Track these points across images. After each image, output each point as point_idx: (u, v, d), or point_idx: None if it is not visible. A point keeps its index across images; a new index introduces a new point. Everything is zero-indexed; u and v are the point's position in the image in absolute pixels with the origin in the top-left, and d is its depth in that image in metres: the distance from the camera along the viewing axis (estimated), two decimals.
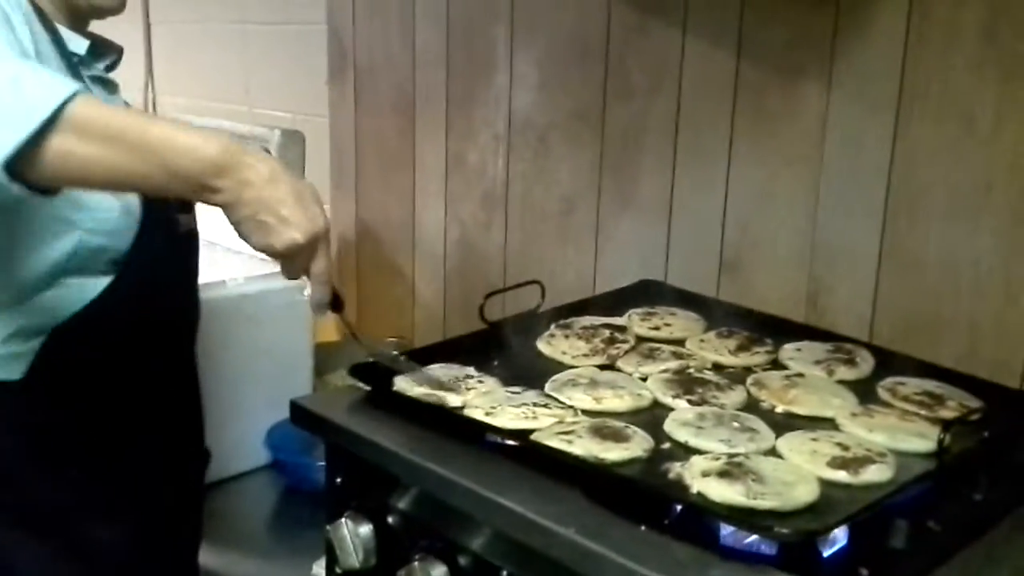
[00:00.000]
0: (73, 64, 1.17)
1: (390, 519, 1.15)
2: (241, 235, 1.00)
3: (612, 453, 1.02)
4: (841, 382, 1.27)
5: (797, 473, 0.98)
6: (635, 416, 1.15)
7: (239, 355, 1.73)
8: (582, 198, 1.85)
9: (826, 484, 0.97)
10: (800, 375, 1.27)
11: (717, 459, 0.99)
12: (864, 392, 1.24)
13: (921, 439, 1.07)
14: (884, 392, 1.24)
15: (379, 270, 2.31)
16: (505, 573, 1.01)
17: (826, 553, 0.92)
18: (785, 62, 1.53)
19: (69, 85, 0.90)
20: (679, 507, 0.92)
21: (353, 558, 1.15)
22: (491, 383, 1.22)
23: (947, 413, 1.16)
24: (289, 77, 2.47)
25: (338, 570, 1.18)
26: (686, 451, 1.05)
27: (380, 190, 2.27)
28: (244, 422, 1.74)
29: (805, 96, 1.51)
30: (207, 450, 1.41)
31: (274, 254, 1.00)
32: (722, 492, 0.93)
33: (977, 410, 1.12)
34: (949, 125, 1.37)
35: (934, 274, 1.41)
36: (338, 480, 1.21)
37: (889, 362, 1.33)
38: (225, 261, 1.89)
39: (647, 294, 1.59)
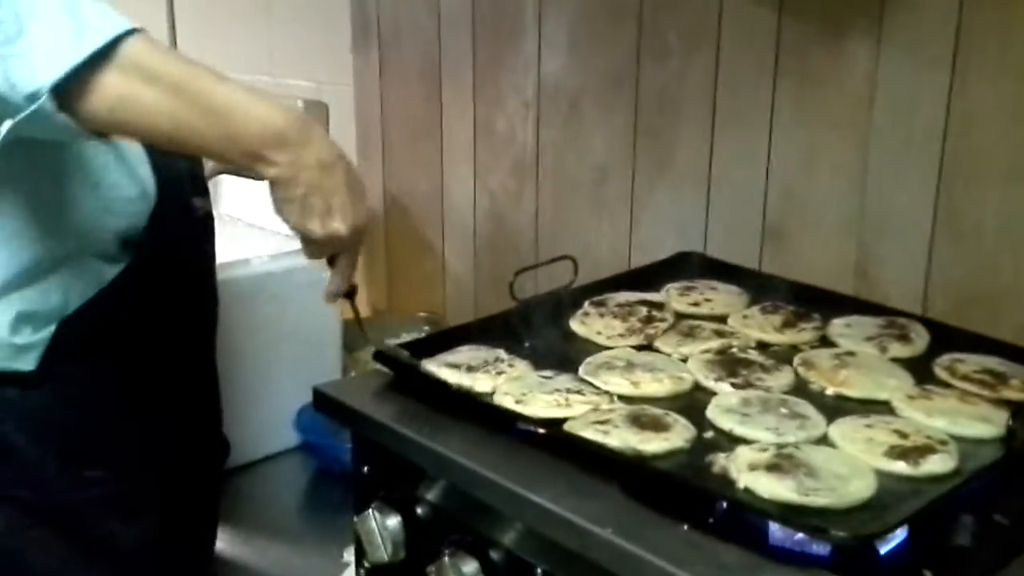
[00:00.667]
0: None
1: (419, 510, 1.10)
2: (280, 212, 0.96)
3: (651, 444, 0.95)
4: (895, 360, 1.19)
5: (852, 465, 0.91)
6: (675, 401, 1.08)
7: (265, 335, 1.69)
8: (616, 166, 1.78)
9: (883, 476, 0.90)
10: (851, 353, 1.19)
11: (765, 450, 0.92)
12: (920, 371, 1.16)
13: (985, 424, 1.00)
14: (942, 371, 1.16)
15: (408, 243, 2.25)
16: (540, 571, 0.96)
17: (884, 550, 0.85)
18: (831, 18, 1.44)
19: (127, 23, 0.84)
20: (724, 504, 0.85)
21: (382, 551, 1.10)
22: (522, 367, 1.16)
23: (1011, 393, 1.09)
24: (313, 46, 2.40)
25: (367, 564, 1.14)
26: (731, 440, 0.98)
27: (407, 160, 2.21)
28: (272, 403, 1.70)
29: (852, 55, 1.42)
30: (225, 440, 1.37)
31: (309, 238, 0.97)
32: (771, 488, 0.86)
33: None
34: (1009, 83, 1.28)
35: (992, 242, 1.33)
36: (365, 469, 1.16)
37: (945, 337, 1.25)
38: (248, 238, 1.85)
39: (685, 267, 1.52)
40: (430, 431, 1.04)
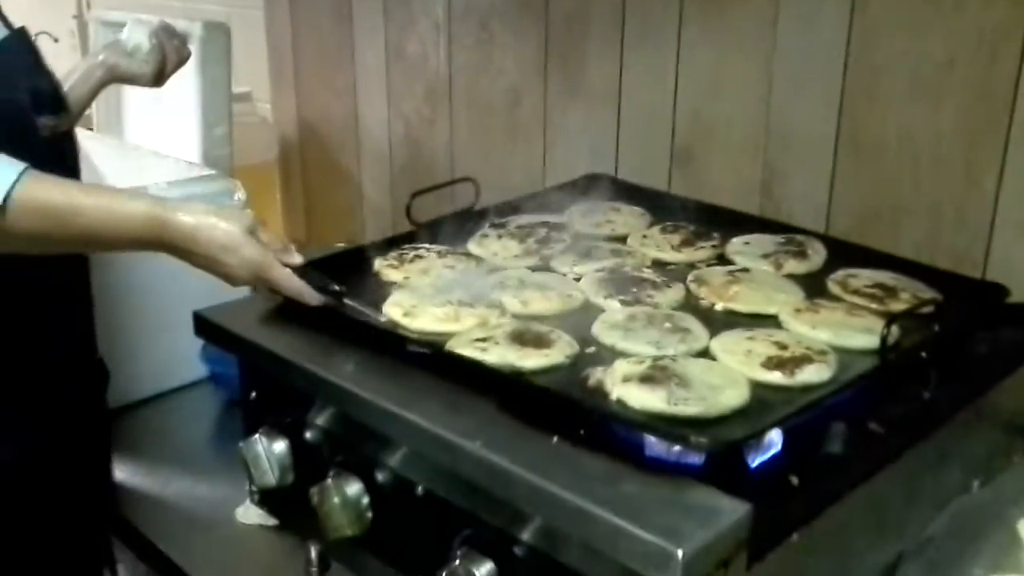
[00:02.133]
0: None
1: (308, 435, 1.08)
2: None
3: (530, 360, 0.94)
4: (789, 276, 1.19)
5: (727, 376, 0.90)
6: (564, 319, 1.07)
7: (167, 264, 1.63)
8: (528, 89, 1.74)
9: (759, 386, 0.90)
10: (745, 270, 1.19)
11: (641, 363, 0.91)
12: (813, 286, 1.16)
13: (867, 335, 0.99)
14: (834, 285, 1.16)
15: (325, 172, 2.20)
16: (420, 488, 0.95)
17: (757, 462, 0.85)
18: None
19: (16, 166, 0.96)
20: (592, 415, 0.85)
21: (269, 476, 1.08)
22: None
23: (899, 306, 1.09)
24: None
25: (254, 488, 1.12)
26: (613, 355, 0.97)
27: (320, 86, 2.15)
28: (177, 335, 1.63)
29: None
30: (104, 366, 1.33)
31: None
32: (642, 398, 0.85)
33: (928, 302, 1.04)
34: None
35: (893, 158, 1.33)
36: (253, 395, 1.14)
37: (843, 253, 1.25)
38: (151, 165, 1.78)
39: (593, 189, 1.50)
40: (312, 355, 1.02)
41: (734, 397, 0.86)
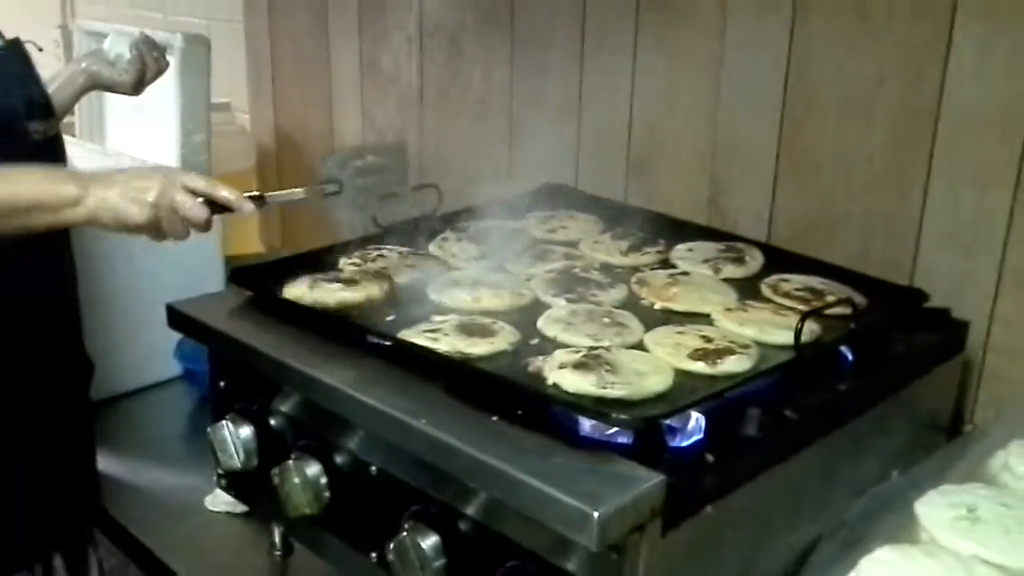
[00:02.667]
0: None
1: (272, 421, 1.15)
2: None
3: (477, 348, 1.02)
4: (727, 280, 1.27)
5: (653, 364, 0.99)
6: (513, 314, 1.15)
7: (144, 265, 1.71)
8: (495, 101, 1.82)
9: (683, 374, 0.98)
10: (685, 273, 1.27)
11: (578, 352, 1.00)
12: (747, 289, 1.24)
13: (789, 331, 1.07)
14: (766, 288, 1.24)
15: (300, 179, 2.27)
16: (374, 468, 1.02)
17: (684, 443, 0.93)
18: None
19: None
20: (528, 396, 0.93)
21: (234, 459, 1.15)
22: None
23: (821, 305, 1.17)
24: None
25: (220, 471, 1.19)
26: (554, 346, 1.05)
27: (297, 98, 2.23)
28: (153, 333, 1.71)
29: None
30: (89, 360, 1.40)
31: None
32: (575, 382, 0.93)
33: (843, 301, 1.12)
34: (844, 16, 1.35)
35: (829, 172, 1.41)
36: (222, 384, 1.21)
37: (780, 260, 1.33)
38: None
39: (552, 197, 1.58)
40: (278, 344, 1.09)
41: (658, 382, 0.94)
